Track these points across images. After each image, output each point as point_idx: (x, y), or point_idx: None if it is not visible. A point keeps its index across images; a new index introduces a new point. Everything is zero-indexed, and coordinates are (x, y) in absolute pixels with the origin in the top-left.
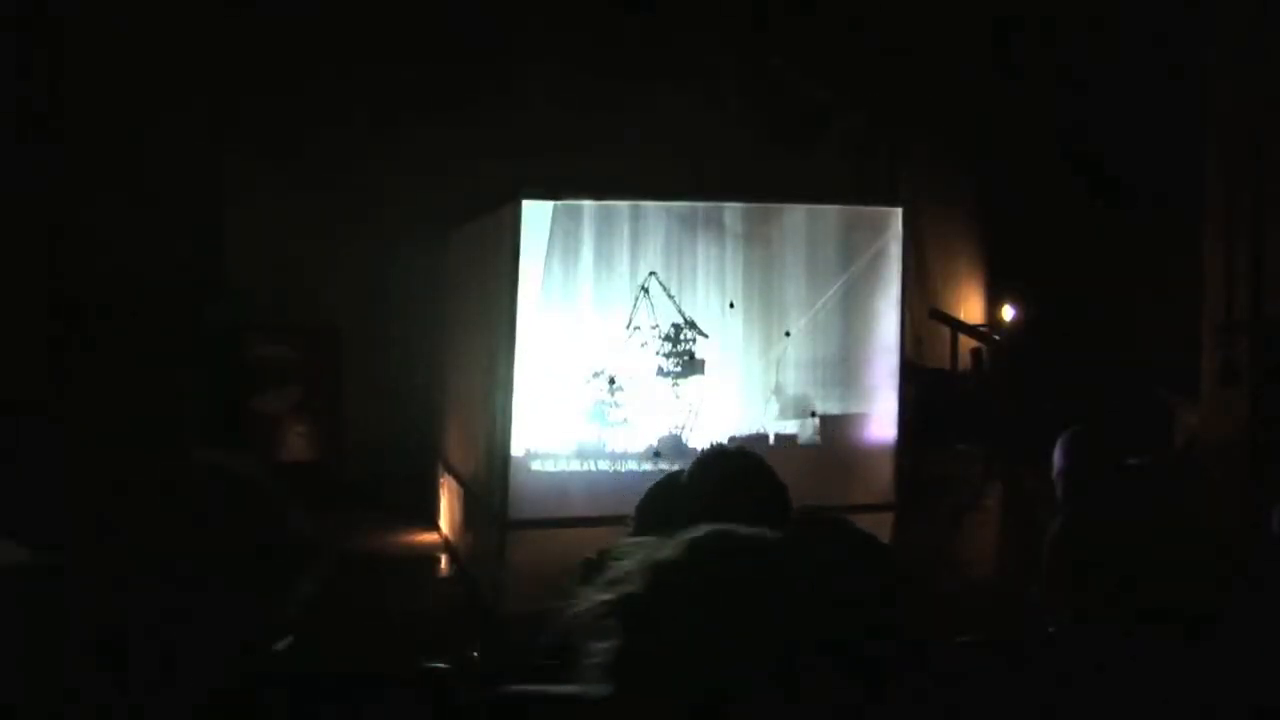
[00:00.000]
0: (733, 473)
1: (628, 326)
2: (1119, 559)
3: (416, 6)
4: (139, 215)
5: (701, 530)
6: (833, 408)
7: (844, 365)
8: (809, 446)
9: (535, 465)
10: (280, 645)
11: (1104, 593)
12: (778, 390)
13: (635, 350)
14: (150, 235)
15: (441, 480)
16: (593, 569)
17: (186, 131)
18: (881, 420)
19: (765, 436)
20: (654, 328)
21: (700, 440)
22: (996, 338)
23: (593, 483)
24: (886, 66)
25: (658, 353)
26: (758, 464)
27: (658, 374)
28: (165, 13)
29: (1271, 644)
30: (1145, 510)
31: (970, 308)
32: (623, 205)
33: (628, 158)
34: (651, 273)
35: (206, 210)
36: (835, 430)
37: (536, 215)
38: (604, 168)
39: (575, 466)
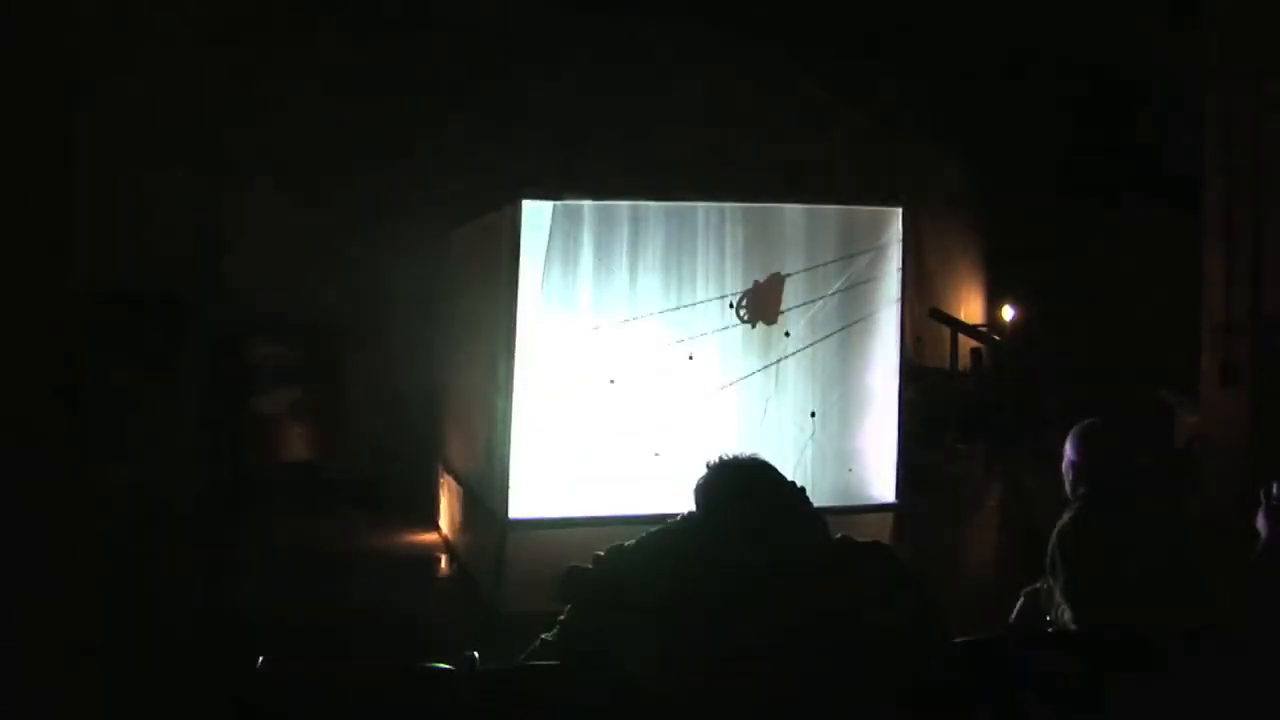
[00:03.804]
0: (737, 479)
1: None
2: (1128, 551)
3: (417, 7)
4: (140, 216)
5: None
6: (833, 408)
7: (843, 365)
8: (809, 447)
9: (535, 465)
10: (260, 663)
11: (1114, 583)
12: (777, 390)
13: (634, 349)
14: (150, 236)
15: (441, 480)
16: (575, 578)
17: (187, 133)
18: (881, 420)
19: (765, 436)
20: None
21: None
22: (996, 338)
23: (592, 482)
24: (888, 66)
25: None
26: (762, 468)
27: None
28: (166, 14)
29: (1273, 640)
30: (1153, 505)
31: (970, 308)
32: (622, 205)
33: (628, 158)
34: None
35: (207, 211)
36: (835, 430)
37: (536, 215)
38: (604, 168)
39: (575, 467)
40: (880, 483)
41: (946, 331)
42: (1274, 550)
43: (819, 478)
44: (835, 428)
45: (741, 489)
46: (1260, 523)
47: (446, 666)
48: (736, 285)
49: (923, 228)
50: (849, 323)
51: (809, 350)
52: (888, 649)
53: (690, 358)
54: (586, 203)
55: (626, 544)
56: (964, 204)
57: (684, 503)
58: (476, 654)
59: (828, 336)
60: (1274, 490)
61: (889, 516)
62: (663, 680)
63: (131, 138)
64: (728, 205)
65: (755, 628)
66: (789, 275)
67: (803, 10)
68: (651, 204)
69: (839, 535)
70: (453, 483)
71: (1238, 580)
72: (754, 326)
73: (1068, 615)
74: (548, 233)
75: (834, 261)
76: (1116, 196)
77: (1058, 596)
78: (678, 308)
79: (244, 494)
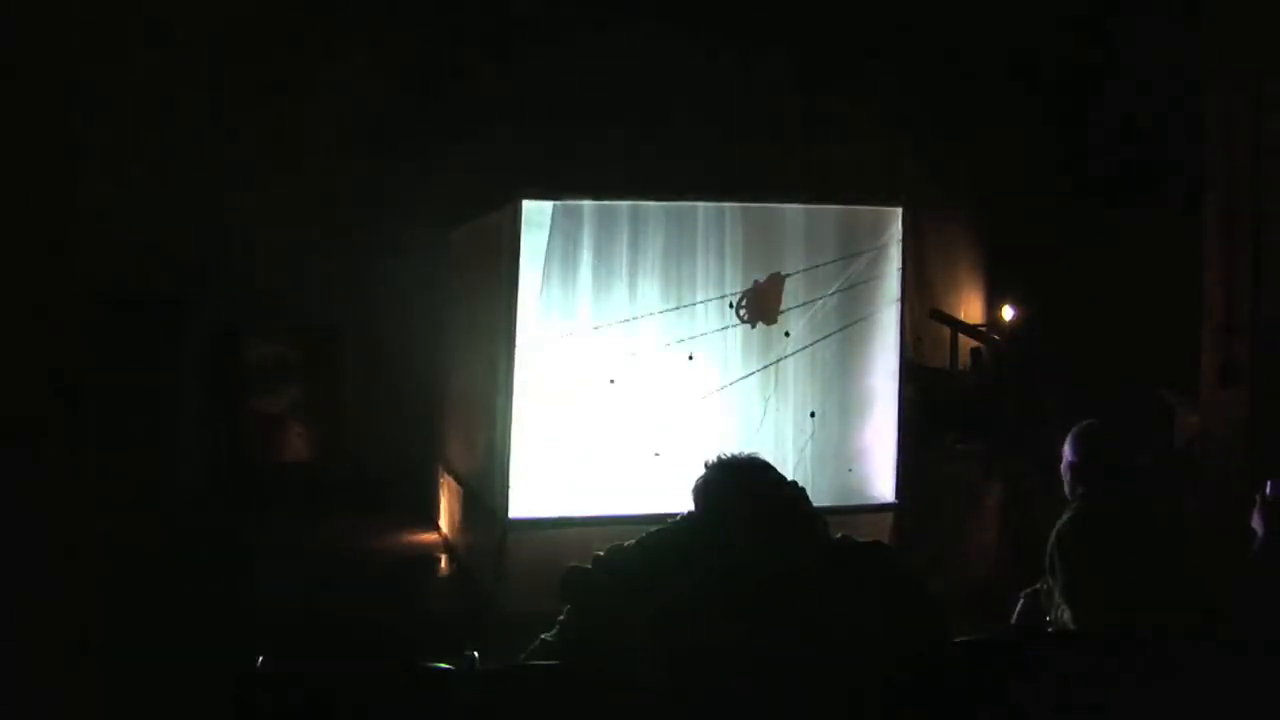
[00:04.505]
0: (736, 479)
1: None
2: (1127, 551)
3: (417, 7)
4: (139, 216)
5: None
6: (832, 408)
7: (843, 365)
8: (809, 447)
9: (535, 465)
10: (259, 663)
11: (1112, 583)
12: (777, 390)
13: (634, 349)
14: (150, 236)
15: (441, 480)
16: (575, 579)
17: (187, 132)
18: (881, 420)
19: (765, 436)
20: None
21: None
22: (996, 338)
23: (592, 482)
24: (888, 67)
25: None
26: (762, 468)
27: None
28: (166, 13)
29: (1270, 639)
30: (1152, 505)
31: (970, 308)
32: (622, 205)
33: (628, 158)
34: None
35: (207, 210)
36: (835, 430)
37: (536, 215)
38: (603, 167)
39: (575, 467)
40: (880, 483)
41: (946, 331)
42: (1270, 549)
43: (819, 478)
44: (835, 428)
45: (741, 489)
46: (1256, 522)
47: (446, 666)
48: (736, 285)
49: (923, 228)
50: (849, 323)
51: (809, 350)
52: (888, 649)
53: (690, 358)
54: (586, 203)
55: (626, 544)
56: (964, 204)
57: (684, 503)
58: (476, 654)
59: (828, 336)
60: (1267, 490)
61: (889, 516)
62: (662, 680)
63: (131, 137)
64: (728, 205)
65: (755, 628)
66: (789, 275)
67: (802, 10)
68: (651, 204)
69: (839, 535)
70: (453, 483)
71: (1237, 580)
72: (754, 326)
73: (1067, 615)
74: (548, 233)
75: (834, 261)
76: (1116, 196)
77: (1057, 597)
78: (678, 308)
79: (243, 494)
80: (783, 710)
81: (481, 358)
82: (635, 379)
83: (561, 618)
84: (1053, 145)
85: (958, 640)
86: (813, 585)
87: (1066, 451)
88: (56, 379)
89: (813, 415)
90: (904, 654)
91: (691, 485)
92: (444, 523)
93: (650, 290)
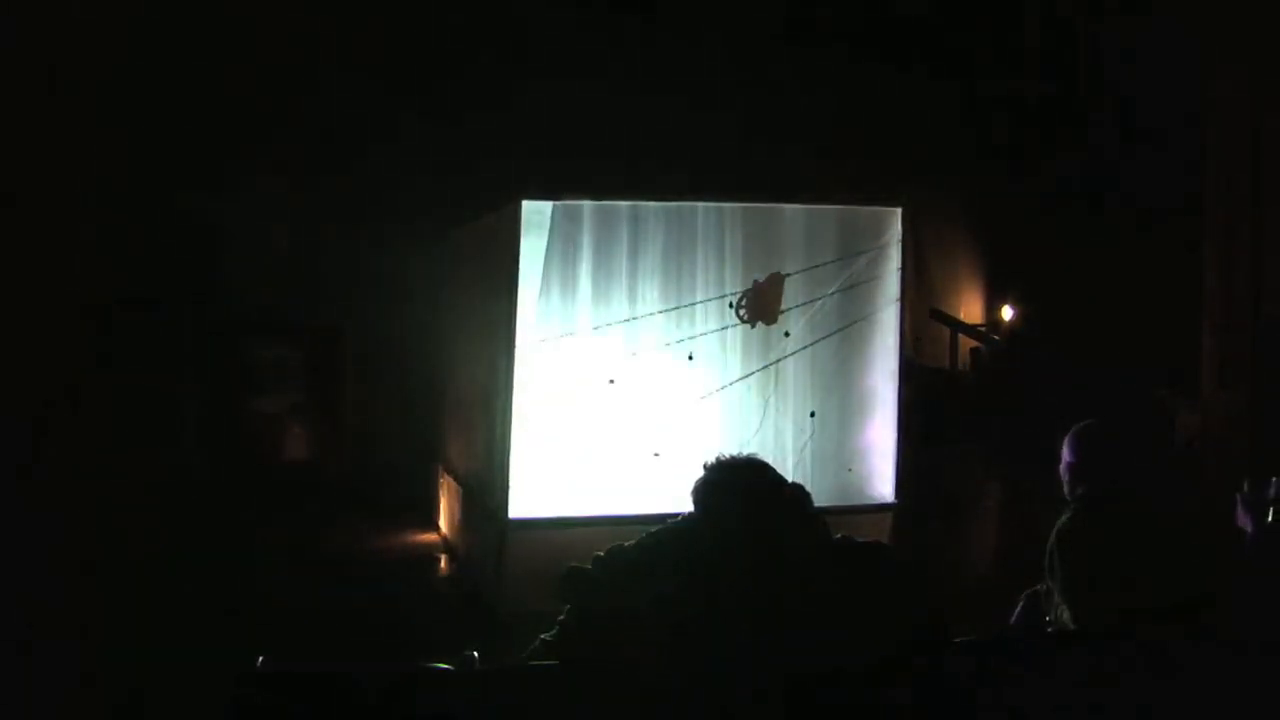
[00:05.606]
0: (736, 480)
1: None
2: (1127, 551)
3: (417, 7)
4: (141, 216)
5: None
6: (832, 408)
7: (843, 365)
8: (808, 447)
9: (535, 465)
10: (260, 663)
11: (1112, 584)
12: (777, 390)
13: (634, 349)
14: (152, 236)
15: (441, 480)
16: (575, 579)
17: (187, 132)
18: (881, 420)
19: (765, 436)
20: None
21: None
22: (996, 338)
23: (592, 482)
24: (887, 67)
25: None
26: (761, 469)
27: None
28: (167, 14)
29: (1268, 637)
30: (1152, 505)
31: (970, 308)
32: (622, 205)
33: (627, 158)
34: None
35: (207, 211)
36: (835, 430)
37: (536, 215)
38: (603, 168)
39: (575, 467)
40: (880, 483)
41: (946, 331)
42: (1260, 548)
43: (819, 478)
44: (835, 428)
45: (740, 490)
46: (1242, 520)
47: (446, 666)
48: (736, 285)
49: (922, 228)
50: (849, 323)
51: (809, 350)
52: (888, 649)
53: (690, 358)
54: (586, 203)
55: (626, 544)
56: (964, 204)
57: (683, 503)
58: (476, 654)
59: (827, 336)
60: (1244, 488)
61: (889, 516)
62: (662, 680)
63: (132, 138)
64: (728, 205)
65: (755, 628)
66: (789, 275)
67: (802, 10)
68: (651, 204)
69: (839, 535)
70: (453, 483)
71: (1234, 579)
72: (754, 326)
73: (1067, 615)
74: (547, 233)
75: (834, 261)
76: (1117, 197)
77: (1057, 597)
78: (677, 308)
79: (243, 494)
80: (782, 710)
81: (481, 358)
82: (635, 379)
83: (561, 618)
84: (1052, 146)
85: (958, 640)
86: (812, 585)
87: (1066, 451)
88: (58, 379)
89: (812, 415)
90: (904, 654)
91: (691, 486)
92: (444, 523)
93: (650, 290)
